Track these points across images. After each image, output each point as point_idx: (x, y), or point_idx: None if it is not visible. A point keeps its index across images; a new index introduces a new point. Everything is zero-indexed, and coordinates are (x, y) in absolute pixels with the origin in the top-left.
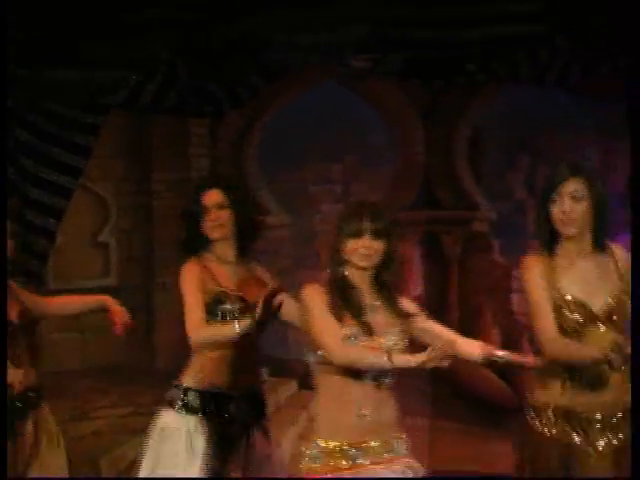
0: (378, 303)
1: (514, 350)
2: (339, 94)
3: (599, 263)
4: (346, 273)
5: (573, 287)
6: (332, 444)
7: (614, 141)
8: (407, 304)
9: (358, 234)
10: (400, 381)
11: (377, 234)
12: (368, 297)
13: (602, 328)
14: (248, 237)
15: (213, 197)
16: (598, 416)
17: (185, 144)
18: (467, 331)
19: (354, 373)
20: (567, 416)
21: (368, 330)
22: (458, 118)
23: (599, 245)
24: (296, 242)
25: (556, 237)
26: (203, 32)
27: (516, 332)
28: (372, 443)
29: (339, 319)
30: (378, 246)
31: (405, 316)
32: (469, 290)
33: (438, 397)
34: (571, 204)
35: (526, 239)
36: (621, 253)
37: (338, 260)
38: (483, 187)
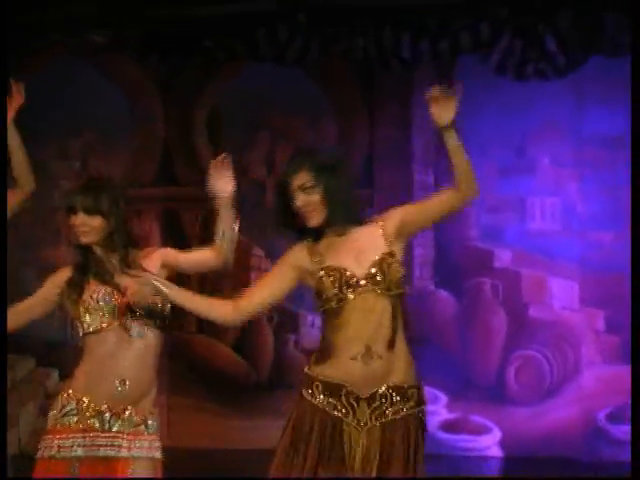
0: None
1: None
2: (80, 69)
3: (363, 234)
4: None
5: (333, 259)
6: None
7: (352, 120)
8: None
9: (72, 210)
10: None
11: (89, 211)
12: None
13: (367, 288)
14: None
15: None
16: (364, 390)
17: None
18: None
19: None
20: (332, 388)
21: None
22: (198, 95)
23: (347, 223)
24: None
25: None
26: None
27: None
28: (127, 413)
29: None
30: (94, 222)
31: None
32: None
33: (174, 373)
34: (303, 197)
35: (265, 217)
36: (389, 221)
37: (70, 236)
38: None
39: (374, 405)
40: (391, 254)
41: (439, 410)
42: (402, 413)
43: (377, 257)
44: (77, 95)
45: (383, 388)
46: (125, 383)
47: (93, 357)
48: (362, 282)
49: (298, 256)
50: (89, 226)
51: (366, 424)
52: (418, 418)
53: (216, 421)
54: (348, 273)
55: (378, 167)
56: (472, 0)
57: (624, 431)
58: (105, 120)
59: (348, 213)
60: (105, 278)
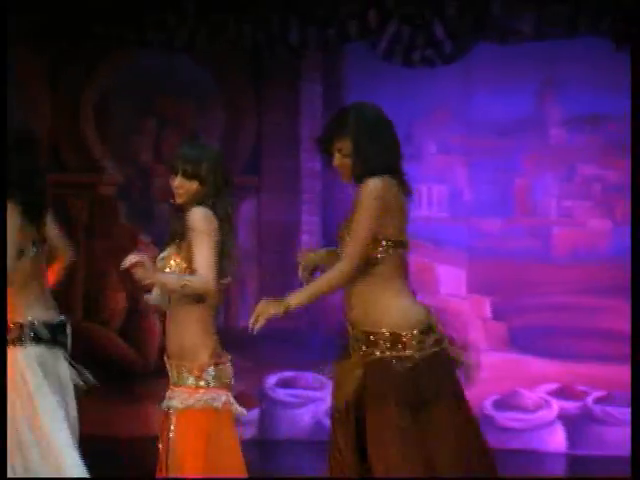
0: None
1: None
2: None
3: None
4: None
5: None
6: None
7: (240, 106)
8: None
9: (173, 171)
10: None
11: (187, 174)
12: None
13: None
14: None
15: None
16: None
17: None
18: (93, 292)
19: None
20: None
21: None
22: (86, 81)
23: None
24: None
25: None
26: None
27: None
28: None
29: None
30: (190, 186)
31: None
32: (96, 254)
33: None
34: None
35: (151, 203)
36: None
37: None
38: (109, 151)
39: None
40: None
41: (326, 397)
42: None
43: None
44: None
45: None
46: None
47: None
48: None
49: None
50: (184, 189)
51: None
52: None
53: (101, 407)
54: None
55: (266, 153)
56: None
57: (510, 418)
58: None
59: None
60: (168, 240)
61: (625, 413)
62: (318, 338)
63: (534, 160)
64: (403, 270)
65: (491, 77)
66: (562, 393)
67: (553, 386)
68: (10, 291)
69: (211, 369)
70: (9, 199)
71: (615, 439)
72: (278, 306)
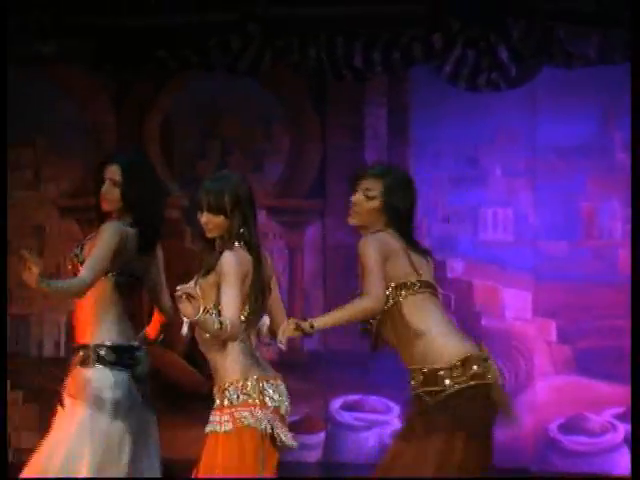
0: None
1: None
2: (31, 78)
3: None
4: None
5: None
6: None
7: (304, 129)
8: None
9: (199, 208)
10: None
11: (212, 209)
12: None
13: None
14: None
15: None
16: None
17: None
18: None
19: None
20: None
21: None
22: (150, 105)
23: None
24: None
25: None
26: None
27: None
28: None
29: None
30: (217, 220)
31: None
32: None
33: None
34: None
35: None
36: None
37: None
38: (175, 174)
39: None
40: None
41: (392, 420)
42: None
43: None
44: (29, 104)
45: None
46: None
47: None
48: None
49: None
50: (212, 223)
51: None
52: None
53: (172, 431)
54: None
55: (330, 177)
56: (424, 11)
57: (576, 442)
58: (57, 129)
59: None
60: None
61: None
62: (382, 361)
63: (599, 183)
64: (424, 309)
65: (556, 101)
66: (629, 417)
67: (619, 410)
68: (85, 308)
69: (232, 387)
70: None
71: None
72: (302, 324)
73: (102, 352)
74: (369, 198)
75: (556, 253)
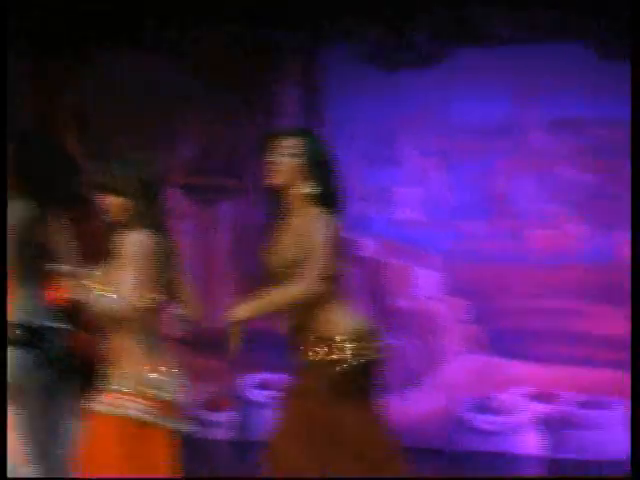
0: None
1: None
2: None
3: None
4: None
5: None
6: None
7: (220, 109)
8: None
9: (100, 189)
10: None
11: (110, 190)
12: None
13: None
14: None
15: None
16: None
17: None
18: None
19: None
20: None
21: None
22: (64, 85)
23: None
24: None
25: None
26: None
27: None
28: None
29: None
30: (116, 202)
31: None
32: None
33: None
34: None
35: None
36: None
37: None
38: (90, 152)
39: None
40: None
41: None
42: None
43: None
44: None
45: None
46: None
47: None
48: None
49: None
50: (116, 206)
51: None
52: None
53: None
54: None
55: (244, 155)
56: None
57: (488, 421)
58: None
59: None
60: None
61: (602, 417)
62: None
63: (514, 163)
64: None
65: (472, 81)
66: (539, 397)
67: (530, 389)
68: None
69: (125, 374)
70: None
71: (592, 443)
72: (236, 319)
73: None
74: (292, 156)
75: (470, 233)
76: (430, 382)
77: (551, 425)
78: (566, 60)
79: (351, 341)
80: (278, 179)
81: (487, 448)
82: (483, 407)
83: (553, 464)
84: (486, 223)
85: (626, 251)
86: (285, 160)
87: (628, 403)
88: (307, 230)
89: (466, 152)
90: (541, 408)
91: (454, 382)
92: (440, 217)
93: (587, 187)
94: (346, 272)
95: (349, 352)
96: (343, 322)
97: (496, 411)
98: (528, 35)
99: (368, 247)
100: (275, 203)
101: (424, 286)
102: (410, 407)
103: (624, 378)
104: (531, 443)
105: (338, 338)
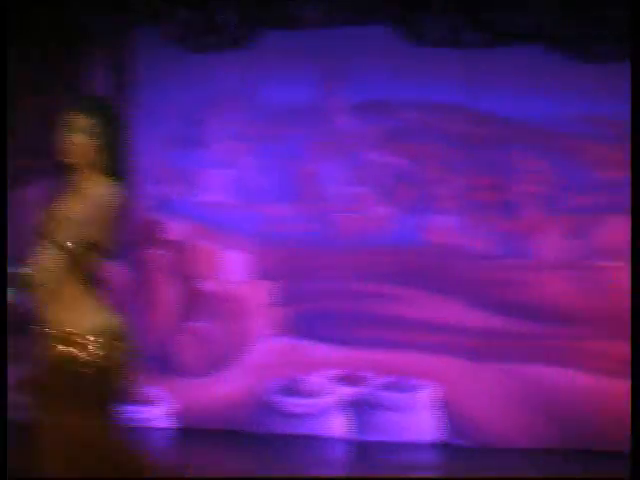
0: None
1: None
2: None
3: None
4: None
5: None
6: None
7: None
8: None
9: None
10: None
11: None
12: None
13: None
14: None
15: None
16: None
17: None
18: None
19: None
20: None
21: None
22: None
23: None
24: None
25: None
26: None
27: None
28: None
29: None
30: (78, 140)
31: None
32: None
33: None
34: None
35: None
36: None
37: None
38: None
39: None
40: None
41: None
42: None
43: None
44: None
45: None
46: None
47: None
48: None
49: None
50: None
51: None
52: None
53: None
54: None
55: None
56: None
57: (293, 404)
58: None
59: None
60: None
61: (407, 399)
62: None
63: (320, 147)
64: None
65: (280, 64)
66: (345, 379)
67: (336, 372)
68: None
69: None
70: None
71: (398, 425)
72: None
73: None
74: (91, 136)
75: (278, 216)
76: (238, 365)
77: (357, 407)
78: (374, 43)
79: (96, 340)
80: (79, 160)
81: (295, 430)
82: (290, 390)
83: (359, 446)
84: (294, 206)
85: (434, 235)
86: (79, 138)
87: (433, 385)
88: (90, 195)
89: (274, 135)
90: (347, 390)
91: (262, 365)
92: (248, 200)
93: (394, 170)
94: (151, 255)
95: (93, 351)
96: (91, 319)
97: (303, 394)
98: (336, 18)
99: (175, 229)
100: (68, 178)
101: (232, 269)
102: (218, 390)
103: (431, 361)
104: (337, 425)
105: (85, 335)
